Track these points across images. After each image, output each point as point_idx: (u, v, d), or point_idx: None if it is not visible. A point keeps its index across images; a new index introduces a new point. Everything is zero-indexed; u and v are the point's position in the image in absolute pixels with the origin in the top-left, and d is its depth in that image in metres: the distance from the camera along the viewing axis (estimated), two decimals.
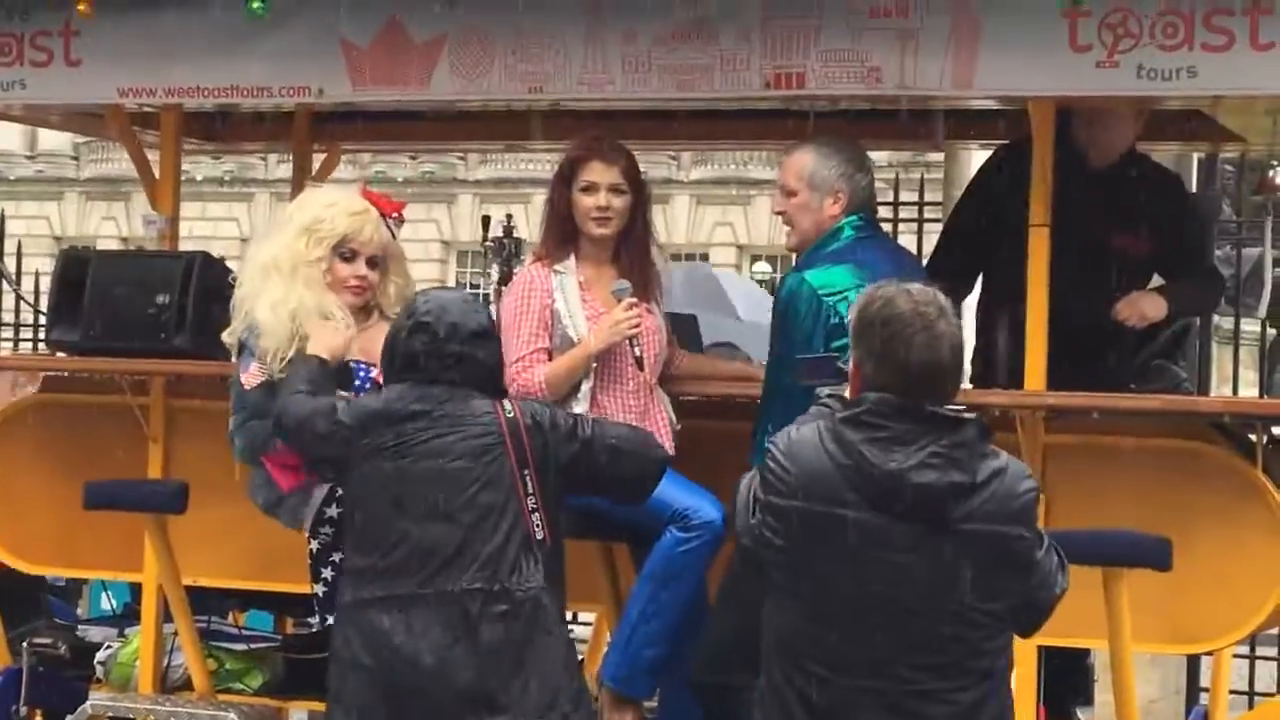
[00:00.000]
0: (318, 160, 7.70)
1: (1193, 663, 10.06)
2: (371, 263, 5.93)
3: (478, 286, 44.38)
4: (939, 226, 12.10)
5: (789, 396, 5.48)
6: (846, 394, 4.56)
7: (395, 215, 6.01)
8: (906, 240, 11.40)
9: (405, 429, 5.20)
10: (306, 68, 6.23)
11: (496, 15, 6.02)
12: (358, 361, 5.83)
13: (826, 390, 4.68)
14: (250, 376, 5.78)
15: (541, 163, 41.60)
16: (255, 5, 6.04)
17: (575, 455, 5.28)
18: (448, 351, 5.26)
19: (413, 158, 42.16)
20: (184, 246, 6.96)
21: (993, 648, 4.38)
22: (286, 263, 5.85)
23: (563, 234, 6.06)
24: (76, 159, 47.37)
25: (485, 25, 6.06)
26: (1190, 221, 6.73)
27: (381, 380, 5.57)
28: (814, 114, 6.31)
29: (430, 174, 43.68)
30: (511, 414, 5.22)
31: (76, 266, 6.67)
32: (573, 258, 6.03)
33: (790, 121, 6.77)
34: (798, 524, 4.37)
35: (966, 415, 4.40)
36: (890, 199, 11.75)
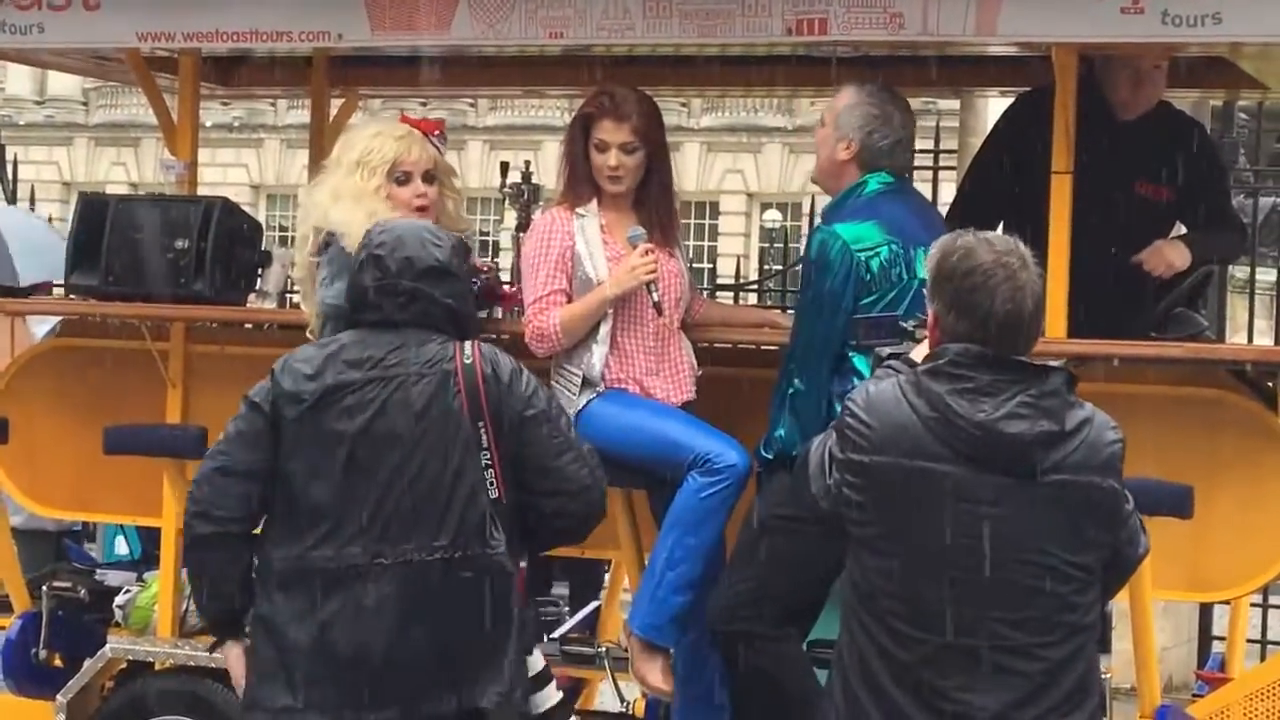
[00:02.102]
0: (335, 106, 7.67)
1: (1205, 611, 10.10)
2: (428, 178, 6.01)
3: (488, 234, 44.47)
4: (955, 175, 12.17)
5: (815, 347, 5.48)
6: (912, 354, 4.53)
7: (438, 133, 6.11)
8: (921, 188, 11.43)
9: (350, 381, 4.87)
10: (326, 12, 6.19)
11: None
12: None
13: (887, 350, 4.65)
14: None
15: (552, 109, 41.77)
16: None
17: (523, 422, 4.92)
18: (400, 289, 4.92)
19: (423, 104, 42.00)
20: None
21: (1083, 603, 4.34)
22: (350, 192, 5.92)
23: (583, 179, 6.08)
24: (86, 104, 47.29)
25: None
26: (1213, 170, 6.70)
27: None
28: (836, 60, 6.28)
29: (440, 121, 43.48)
30: (470, 360, 4.89)
31: (96, 211, 6.65)
32: (595, 201, 6.04)
33: (810, 68, 6.76)
34: (882, 480, 4.33)
35: (1053, 364, 4.38)
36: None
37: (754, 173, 44.13)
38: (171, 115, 6.79)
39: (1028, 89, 6.63)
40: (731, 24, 5.83)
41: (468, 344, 4.93)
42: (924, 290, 5.62)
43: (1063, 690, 4.31)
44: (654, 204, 6.08)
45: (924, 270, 5.66)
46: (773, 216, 40.66)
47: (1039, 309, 4.41)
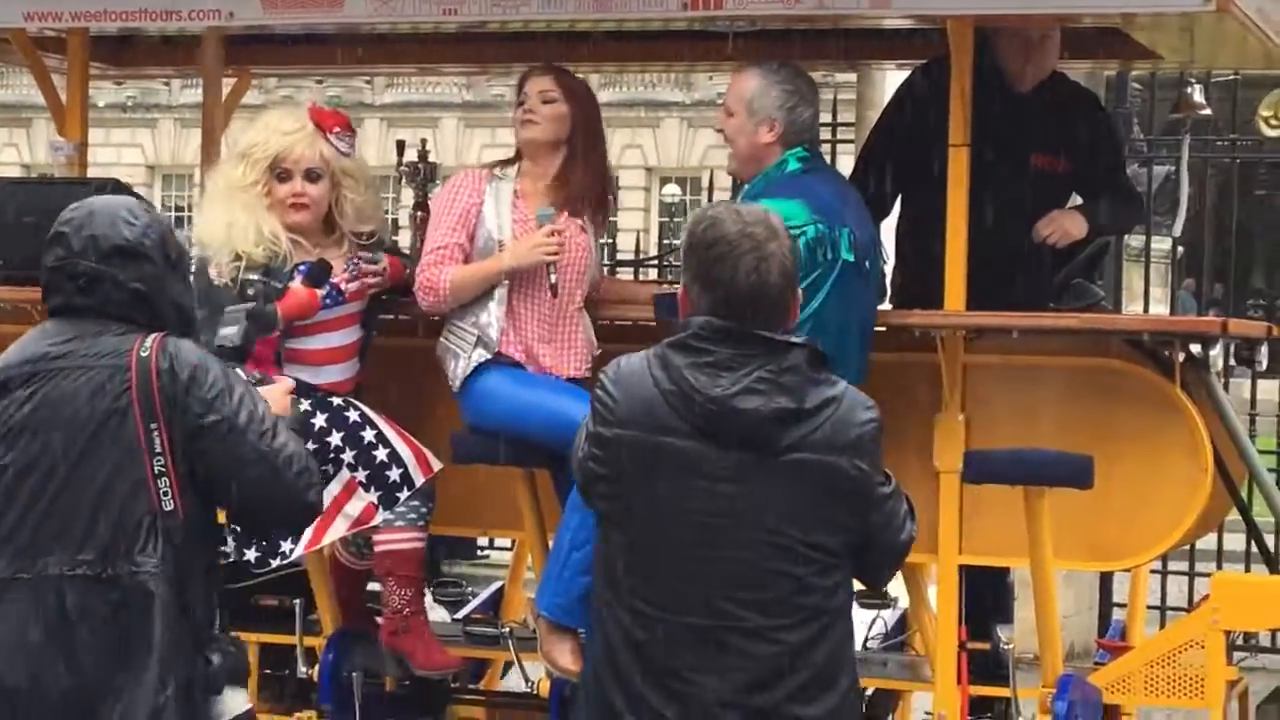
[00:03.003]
0: (227, 86, 7.57)
1: (1105, 579, 10.21)
2: (309, 176, 5.93)
3: (387, 212, 44.26)
4: (853, 148, 12.18)
5: None
6: None
7: (338, 129, 6.03)
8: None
9: (12, 377, 4.33)
10: None
11: None
12: (303, 262, 5.91)
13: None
14: (217, 273, 5.82)
15: (450, 85, 41.54)
16: None
17: (200, 430, 4.27)
18: (79, 270, 4.33)
19: (319, 83, 41.64)
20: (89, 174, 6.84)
21: (824, 585, 4.17)
22: (224, 188, 5.95)
23: (515, 148, 6.09)
24: None
25: None
26: (1109, 140, 6.74)
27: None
28: (732, 34, 6.26)
29: (336, 99, 43.17)
30: (147, 352, 4.26)
31: None
32: (515, 168, 6.06)
33: (707, 42, 6.74)
34: (622, 453, 4.22)
35: (796, 340, 4.22)
36: None
37: (652, 147, 44.10)
38: (60, 96, 6.68)
39: (924, 61, 6.63)
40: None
41: (150, 337, 4.29)
42: (848, 271, 5.66)
43: (803, 676, 4.15)
44: (574, 174, 6.05)
45: (848, 251, 5.70)
46: (672, 191, 40.74)
47: (788, 282, 4.25)
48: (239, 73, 7.54)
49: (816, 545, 4.15)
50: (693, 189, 40.89)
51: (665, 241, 34.71)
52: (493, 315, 5.87)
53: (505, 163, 6.13)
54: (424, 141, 7.32)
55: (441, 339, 5.97)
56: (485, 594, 7.10)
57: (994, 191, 6.06)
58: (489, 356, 5.85)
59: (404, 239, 7.79)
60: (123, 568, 4.21)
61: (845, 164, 11.57)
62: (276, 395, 4.61)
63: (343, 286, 5.92)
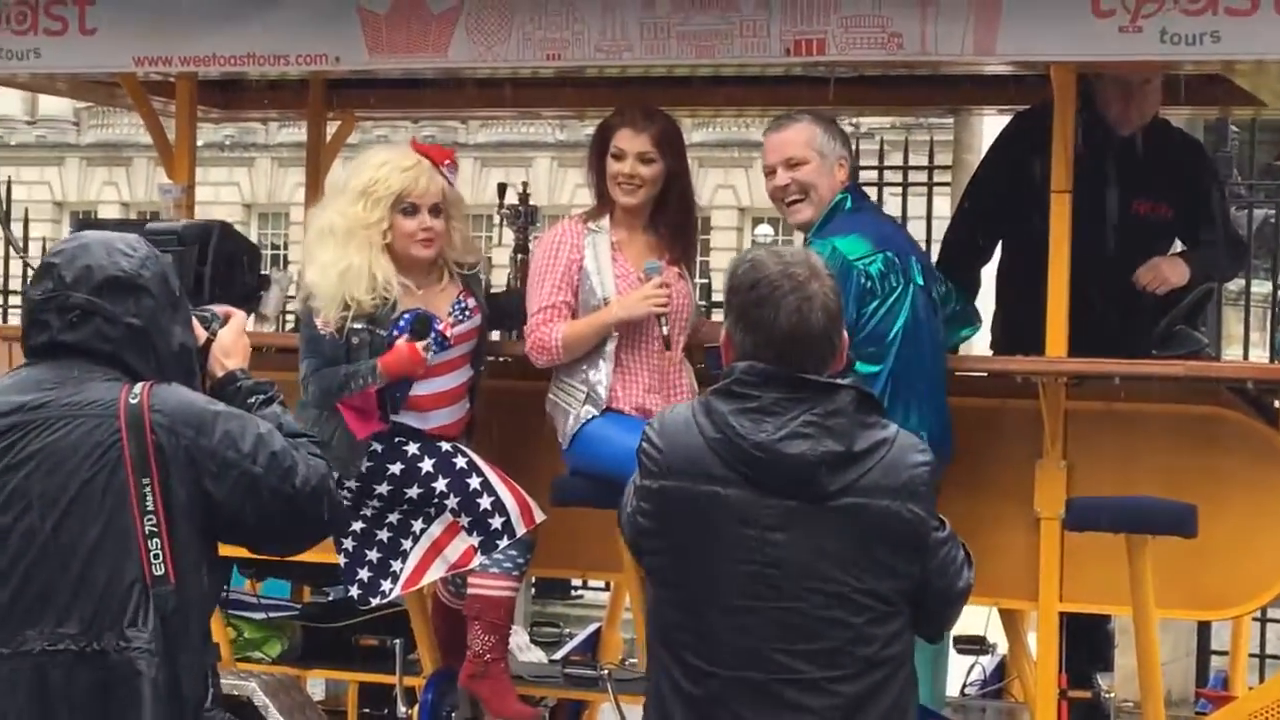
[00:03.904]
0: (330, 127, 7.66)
1: (1203, 626, 10.09)
2: (435, 211, 5.97)
3: (486, 253, 44.42)
4: (948, 190, 12.18)
5: None
6: None
7: (448, 163, 6.07)
8: (916, 204, 11.47)
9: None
10: (323, 35, 6.19)
11: None
12: (408, 311, 5.90)
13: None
14: (324, 323, 5.84)
15: (544, 126, 41.67)
16: None
17: (216, 483, 3.89)
18: (70, 303, 3.91)
19: (414, 123, 41.98)
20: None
21: (881, 634, 4.00)
22: (342, 227, 5.94)
23: (599, 195, 6.10)
24: (77, 124, 47.18)
25: None
26: (1213, 187, 6.70)
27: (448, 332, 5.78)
28: (834, 79, 6.28)
29: (431, 138, 43.53)
30: (136, 399, 3.84)
31: (190, 235, 6.55)
32: (608, 218, 6.05)
33: (807, 87, 6.76)
34: (668, 505, 4.08)
35: (843, 382, 4.09)
36: (900, 163, 11.79)
37: (745, 188, 44.13)
38: (168, 138, 6.78)
39: (1026, 107, 6.63)
40: (730, 44, 5.83)
41: (139, 384, 3.89)
42: (921, 296, 5.68)
43: None
44: (672, 228, 6.08)
45: (919, 276, 5.72)
46: (764, 231, 40.64)
47: (833, 322, 4.10)
48: (342, 115, 7.62)
49: (871, 592, 4.00)
50: (785, 229, 40.79)
51: None
52: (602, 371, 5.91)
53: (597, 212, 6.12)
54: (525, 185, 7.38)
55: (550, 395, 5.99)
56: (582, 635, 7.13)
57: (1095, 237, 6.05)
58: (596, 414, 5.88)
59: (498, 278, 7.87)
60: (110, 641, 3.81)
61: (941, 207, 11.61)
62: (237, 347, 4.22)
63: (448, 332, 5.94)
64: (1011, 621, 6.19)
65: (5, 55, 6.47)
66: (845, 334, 4.18)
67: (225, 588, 6.81)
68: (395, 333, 5.85)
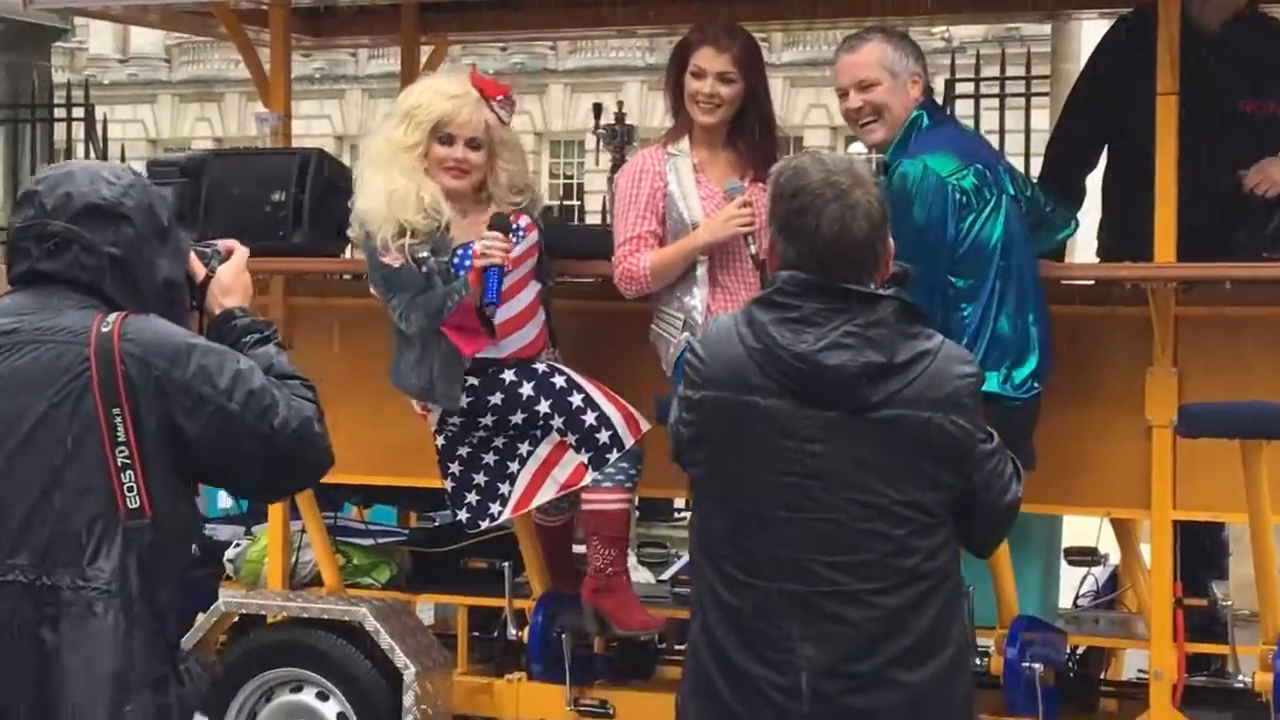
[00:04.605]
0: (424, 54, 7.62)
1: None
2: (472, 144, 5.90)
3: (572, 177, 44.41)
4: (1046, 102, 12.02)
5: (923, 280, 5.40)
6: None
7: (501, 98, 5.97)
8: (1014, 115, 11.33)
9: None
10: None
11: None
12: (463, 246, 5.82)
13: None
14: (393, 258, 5.79)
15: (633, 49, 41.53)
16: None
17: (190, 418, 3.66)
18: (48, 231, 3.75)
19: (503, 49, 41.96)
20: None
21: (924, 546, 3.94)
22: (385, 151, 5.92)
23: (676, 114, 6.03)
24: (168, 61, 47.46)
25: None
26: None
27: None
28: None
29: (521, 65, 43.47)
30: (108, 328, 3.65)
31: (193, 166, 6.63)
32: (686, 139, 5.99)
33: None
34: (710, 415, 4.04)
35: (884, 292, 4.00)
36: (997, 73, 11.65)
37: (837, 107, 43.87)
38: (263, 68, 6.77)
39: (1127, 10, 6.51)
40: None
41: (112, 314, 3.71)
42: (1013, 206, 5.60)
43: (904, 642, 3.93)
44: (752, 144, 6.01)
45: (1010, 185, 5.64)
46: (858, 148, 40.41)
47: (876, 232, 4.01)
48: (435, 40, 7.58)
49: (913, 504, 3.95)
50: (795, 148, 40.63)
51: None
52: (697, 297, 5.85)
53: (675, 133, 6.04)
54: (620, 104, 7.34)
55: (652, 326, 5.95)
56: (689, 556, 7.09)
57: (1202, 140, 5.92)
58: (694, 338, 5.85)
59: (592, 203, 7.82)
60: (63, 578, 3.59)
61: (1039, 118, 11.47)
62: (237, 284, 4.02)
63: (508, 262, 5.81)
64: (1124, 531, 6.12)
65: None
66: (890, 243, 4.10)
67: (332, 516, 6.88)
68: (455, 271, 5.79)
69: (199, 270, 3.97)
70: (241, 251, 4.07)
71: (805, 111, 44.03)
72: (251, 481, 3.93)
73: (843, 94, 5.76)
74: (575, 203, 35.95)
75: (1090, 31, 11.47)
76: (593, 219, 15.17)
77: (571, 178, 44.27)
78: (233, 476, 3.88)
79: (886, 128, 5.70)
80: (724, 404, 4.03)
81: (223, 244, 4.08)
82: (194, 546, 3.90)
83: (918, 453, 3.96)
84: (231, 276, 4.01)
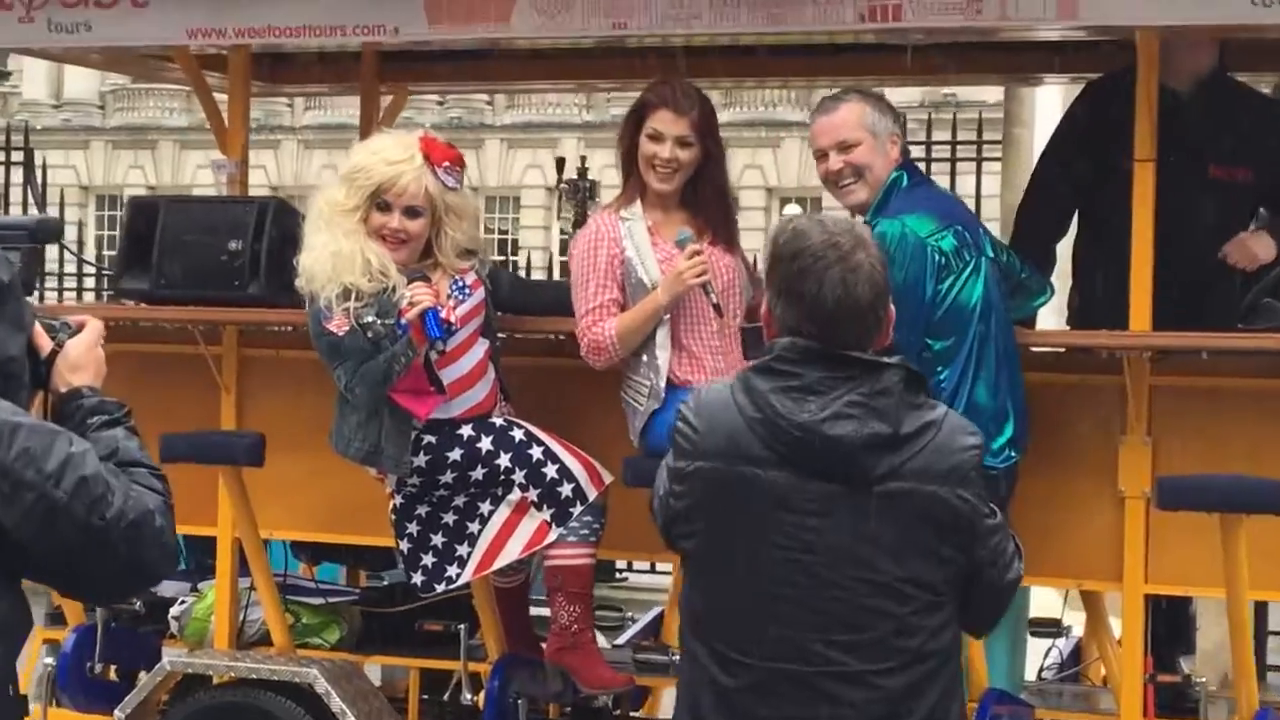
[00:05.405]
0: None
1: (1260, 606, 9.91)
2: (410, 213, 5.75)
3: (507, 232, 44.30)
4: (998, 165, 12.01)
5: (899, 343, 5.30)
6: None
7: (448, 164, 5.82)
8: (965, 178, 11.30)
9: None
10: (381, 6, 6.02)
11: None
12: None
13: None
14: (338, 324, 5.64)
15: (569, 106, 41.56)
16: None
17: (25, 528, 3.21)
18: None
19: (440, 103, 41.91)
20: (209, 194, 6.79)
21: (927, 625, 3.81)
22: (327, 212, 5.79)
23: (627, 175, 5.91)
24: (103, 108, 47.19)
25: None
26: None
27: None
28: (911, 48, 6.13)
29: (458, 119, 43.46)
30: None
31: (146, 213, 6.49)
32: (639, 202, 5.87)
33: (876, 55, 6.61)
34: (704, 487, 3.88)
35: (889, 360, 3.86)
36: (948, 138, 11.62)
37: (773, 167, 43.98)
38: (221, 114, 6.63)
39: (1094, 75, 6.46)
40: (802, 12, 5.65)
41: None
42: (992, 269, 5.51)
43: None
44: (706, 205, 5.90)
45: (990, 249, 5.56)
46: (793, 210, 40.53)
47: (879, 296, 3.87)
48: (395, 90, 7.47)
49: (917, 581, 3.81)
50: (814, 209, 40.80)
51: None
52: (660, 360, 5.72)
53: (626, 198, 5.90)
54: (583, 159, 7.23)
55: (621, 394, 5.83)
56: (646, 619, 6.98)
57: (1173, 206, 5.86)
58: (658, 406, 5.72)
59: (537, 259, 7.71)
60: None
61: (990, 183, 11.45)
62: (86, 361, 3.60)
63: (451, 317, 5.69)
64: (1092, 603, 6.03)
65: (55, 28, 6.29)
66: (891, 308, 3.97)
67: (282, 574, 6.71)
68: (400, 331, 5.64)
69: (45, 344, 3.58)
70: (95, 325, 3.67)
71: (741, 172, 44.17)
72: (79, 581, 3.40)
73: (821, 156, 5.66)
74: (512, 258, 35.91)
75: (1043, 97, 11.50)
76: (538, 275, 15.00)
77: (507, 233, 44.19)
78: (57, 574, 3.36)
79: (868, 188, 5.60)
80: (720, 475, 3.87)
81: (75, 318, 3.71)
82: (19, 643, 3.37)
83: (923, 527, 3.82)
84: (79, 353, 3.60)
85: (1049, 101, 11.06)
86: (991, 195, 11.24)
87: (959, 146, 11.53)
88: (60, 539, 3.23)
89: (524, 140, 42.96)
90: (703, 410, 3.95)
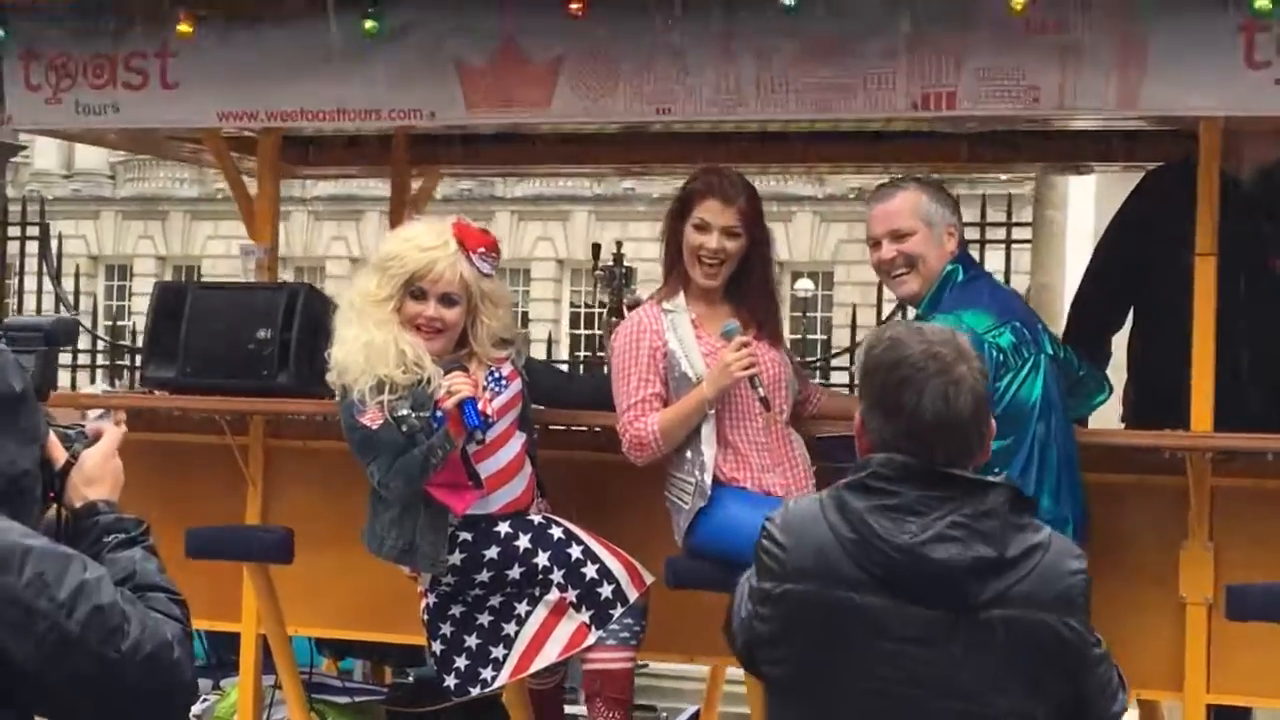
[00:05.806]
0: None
1: None
2: (446, 301, 5.60)
3: (517, 305, 44.18)
4: (1028, 248, 11.83)
5: None
6: None
7: (483, 250, 5.66)
8: (995, 259, 11.13)
9: None
10: (418, 89, 5.87)
11: (618, 33, 5.67)
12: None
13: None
14: (372, 418, 5.45)
15: (579, 180, 41.46)
16: (369, 25, 5.70)
17: (15, 634, 3.01)
18: None
19: (455, 177, 41.78)
20: (218, 270, 6.62)
21: None
22: (359, 302, 5.63)
23: (672, 269, 5.73)
24: (113, 178, 47.13)
25: (606, 44, 5.70)
26: None
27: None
28: (968, 136, 5.97)
29: (468, 191, 43.39)
30: None
31: (173, 298, 6.32)
32: (682, 294, 5.69)
33: (920, 143, 6.46)
34: (793, 611, 3.67)
35: (994, 480, 3.68)
36: (976, 219, 11.44)
37: (785, 242, 43.88)
38: (250, 197, 6.48)
39: (1153, 164, 6.30)
40: (851, 99, 5.50)
41: None
42: (1051, 366, 5.33)
43: None
44: (752, 297, 5.74)
45: (1049, 345, 5.37)
46: (805, 286, 40.46)
47: (980, 410, 3.69)
48: (425, 171, 7.31)
49: (1022, 713, 3.60)
50: (825, 284, 40.75)
51: (798, 337, 34.45)
52: (706, 456, 5.54)
53: (669, 290, 5.75)
54: (618, 243, 7.06)
55: (665, 493, 5.65)
56: (682, 718, 6.78)
57: (1231, 300, 5.69)
58: (704, 504, 5.52)
59: (538, 331, 7.56)
60: None
61: (1021, 263, 11.28)
62: (103, 473, 3.41)
63: (488, 410, 5.55)
64: (1150, 713, 5.81)
65: (83, 110, 6.16)
66: (993, 423, 3.77)
67: (308, 671, 6.51)
68: (435, 424, 5.48)
69: (59, 455, 3.40)
70: (112, 434, 3.47)
71: None
72: (91, 715, 3.14)
73: (875, 244, 5.50)
74: (521, 330, 35.87)
75: (1075, 183, 11.35)
76: (538, 348, 14.83)
77: (516, 305, 44.06)
78: (68, 709, 3.13)
79: (921, 279, 5.43)
80: (811, 598, 3.65)
81: (91, 425, 3.50)
82: None
83: (1029, 657, 3.59)
84: (95, 464, 3.40)
85: (1081, 184, 10.91)
86: (1021, 272, 11.08)
87: (988, 228, 11.37)
88: (73, 671, 3.03)
89: (534, 213, 42.84)
90: (791, 527, 3.73)
